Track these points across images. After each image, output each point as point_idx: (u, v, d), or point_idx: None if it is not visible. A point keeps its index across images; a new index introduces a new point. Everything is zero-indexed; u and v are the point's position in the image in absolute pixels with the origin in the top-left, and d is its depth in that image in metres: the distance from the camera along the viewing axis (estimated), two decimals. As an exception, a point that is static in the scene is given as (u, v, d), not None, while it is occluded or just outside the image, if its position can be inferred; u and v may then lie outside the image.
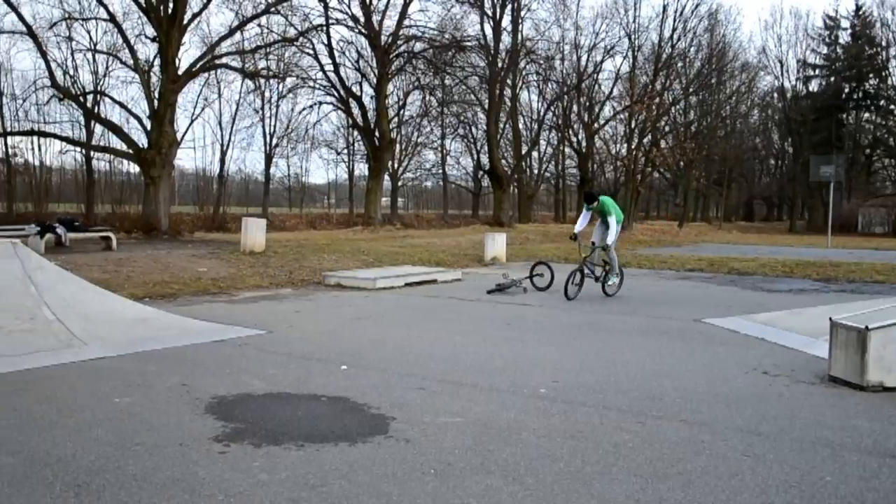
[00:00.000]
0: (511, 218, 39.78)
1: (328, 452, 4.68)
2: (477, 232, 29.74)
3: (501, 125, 43.55)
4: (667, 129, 46.06)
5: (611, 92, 46.98)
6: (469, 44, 36.85)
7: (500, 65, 38.93)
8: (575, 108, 47.47)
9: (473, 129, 48.99)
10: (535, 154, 52.23)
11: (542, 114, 47.52)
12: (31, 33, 26.01)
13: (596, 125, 47.81)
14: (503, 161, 43.69)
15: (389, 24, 34.24)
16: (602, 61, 46.00)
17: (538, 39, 42.52)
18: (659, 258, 21.08)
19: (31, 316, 8.12)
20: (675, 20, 39.68)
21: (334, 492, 4.05)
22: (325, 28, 32.69)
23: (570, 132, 48.96)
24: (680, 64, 43.92)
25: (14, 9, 25.20)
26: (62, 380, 6.53)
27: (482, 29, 39.08)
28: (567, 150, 52.66)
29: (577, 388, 6.38)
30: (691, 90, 45.64)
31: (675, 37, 40.09)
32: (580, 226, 13.27)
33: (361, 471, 4.36)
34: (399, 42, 34.05)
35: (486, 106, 40.38)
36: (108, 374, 6.73)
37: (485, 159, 46.02)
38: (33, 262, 8.91)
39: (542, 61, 42.34)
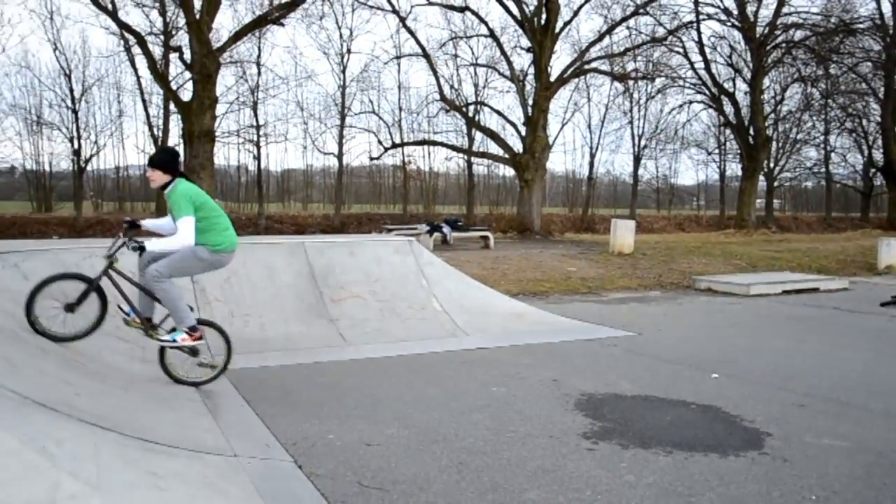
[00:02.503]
0: (910, 221, 35.02)
1: (697, 462, 4.54)
2: (867, 236, 26.67)
3: (900, 116, 38.50)
4: None
5: None
6: (861, 26, 33.12)
7: (900, 47, 34.46)
8: None
9: (864, 122, 43.90)
10: (942, 147, 45.27)
11: (953, 100, 41.04)
12: (425, 54, 29.10)
13: None
14: (901, 156, 38.58)
15: (766, 13, 32.13)
16: None
17: (952, 13, 36.78)
18: None
19: (423, 306, 9.07)
20: None
21: (702, 503, 3.92)
22: (695, 25, 31.73)
23: None
24: None
25: (413, 35, 28.52)
26: (447, 365, 7.18)
27: (878, 6, 34.91)
28: None
29: None
30: None
31: None
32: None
33: (733, 485, 4.16)
34: (776, 32, 31.79)
35: (882, 95, 36.00)
36: (486, 364, 7.25)
37: (878, 155, 41.05)
38: (425, 258, 9.93)
39: (956, 39, 36.59)
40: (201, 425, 4.90)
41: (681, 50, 32.90)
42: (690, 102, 36.80)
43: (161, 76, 23.62)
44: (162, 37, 25.48)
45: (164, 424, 4.68)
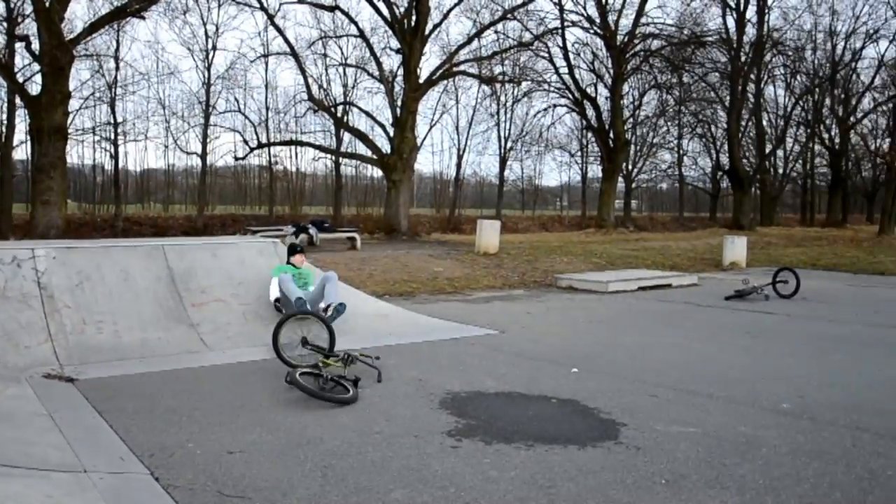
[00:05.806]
0: (752, 221, 37.50)
1: (557, 454, 4.69)
2: (715, 235, 28.35)
3: (743, 123, 41.11)
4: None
5: (872, 81, 42.58)
6: (710, 39, 35.18)
7: (743, 59, 36.81)
8: (828, 101, 43.69)
9: (713, 128, 46.54)
10: (779, 153, 48.66)
11: (789, 109, 44.18)
12: (293, 53, 28.66)
13: (852, 119, 43.70)
14: (744, 161, 41.26)
15: (626, 22, 33.60)
16: (862, 48, 41.59)
17: (787, 29, 39.47)
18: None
19: (288, 309, 8.88)
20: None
21: (562, 494, 4.06)
22: (560, 31, 32.77)
23: (822, 128, 45.10)
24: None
25: (281, 33, 28.04)
26: (313, 368, 7.08)
27: (724, 22, 37.07)
28: (817, 147, 48.64)
29: (824, 406, 5.89)
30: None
31: (963, 12, 35.04)
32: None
33: (590, 475, 4.33)
34: (635, 41, 33.30)
35: (728, 103, 38.38)
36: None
37: (724, 159, 43.67)
38: (290, 259, 9.74)
39: (790, 52, 39.37)
40: (47, 441, 4.62)
41: (546, 55, 33.88)
42: (555, 106, 37.92)
43: (4, 67, 22.09)
44: (5, 24, 23.77)
45: (2, 443, 4.38)
